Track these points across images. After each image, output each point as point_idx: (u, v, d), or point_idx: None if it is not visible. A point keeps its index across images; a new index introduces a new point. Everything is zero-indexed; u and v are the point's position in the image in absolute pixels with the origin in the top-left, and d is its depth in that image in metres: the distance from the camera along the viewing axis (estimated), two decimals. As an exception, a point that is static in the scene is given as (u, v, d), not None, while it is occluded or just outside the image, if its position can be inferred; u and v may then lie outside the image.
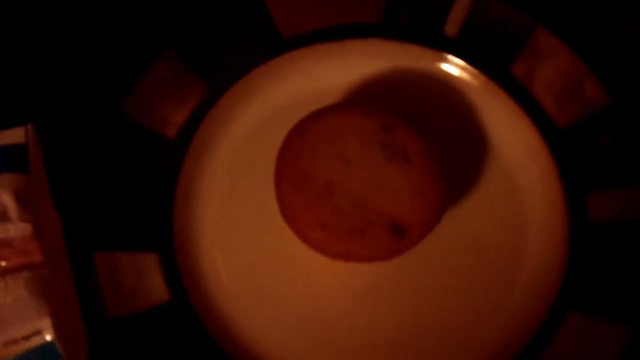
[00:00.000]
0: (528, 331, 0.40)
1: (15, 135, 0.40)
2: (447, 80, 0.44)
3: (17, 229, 0.37)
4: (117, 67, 0.44)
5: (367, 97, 0.44)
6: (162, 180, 0.42)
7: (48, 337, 0.34)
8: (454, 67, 0.44)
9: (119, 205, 0.41)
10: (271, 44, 0.44)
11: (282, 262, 0.42)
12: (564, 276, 0.40)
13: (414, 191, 0.38)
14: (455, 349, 0.40)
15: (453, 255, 0.41)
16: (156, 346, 0.39)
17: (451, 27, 0.44)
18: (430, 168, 0.38)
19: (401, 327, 0.40)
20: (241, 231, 0.42)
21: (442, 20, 0.44)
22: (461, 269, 0.41)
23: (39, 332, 0.34)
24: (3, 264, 0.35)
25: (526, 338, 0.40)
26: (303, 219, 0.38)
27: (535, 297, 0.40)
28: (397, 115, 0.39)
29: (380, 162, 0.38)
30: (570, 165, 0.42)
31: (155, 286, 0.40)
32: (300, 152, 0.38)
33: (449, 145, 0.43)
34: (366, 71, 0.45)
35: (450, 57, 0.44)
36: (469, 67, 0.44)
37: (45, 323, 0.34)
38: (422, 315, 0.40)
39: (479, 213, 0.42)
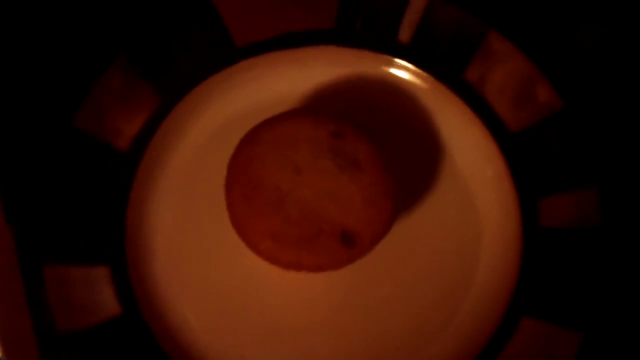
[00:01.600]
0: (482, 337, 0.40)
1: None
2: (401, 86, 0.44)
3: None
4: (67, 78, 0.44)
5: (321, 105, 0.44)
6: (114, 193, 0.42)
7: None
8: (407, 73, 0.44)
9: (69, 218, 0.41)
10: (225, 52, 0.44)
11: (236, 274, 0.41)
12: (517, 281, 0.40)
13: (365, 199, 0.37)
14: (409, 357, 0.39)
15: (406, 263, 0.41)
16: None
17: (404, 32, 0.44)
18: (381, 176, 0.38)
19: (354, 335, 0.40)
20: (195, 243, 0.42)
21: (396, 26, 0.44)
22: (414, 276, 0.41)
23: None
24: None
25: (480, 344, 0.39)
26: (253, 230, 0.37)
27: (489, 303, 0.40)
28: (348, 122, 0.39)
29: (331, 170, 0.38)
30: (523, 169, 0.42)
31: (106, 300, 0.40)
32: (250, 161, 0.38)
33: (402, 152, 0.43)
34: (321, 78, 0.44)
35: (404, 62, 0.44)
36: (423, 73, 0.44)
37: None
38: (375, 324, 0.40)
39: (431, 219, 0.42)
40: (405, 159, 0.43)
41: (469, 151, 0.43)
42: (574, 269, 0.40)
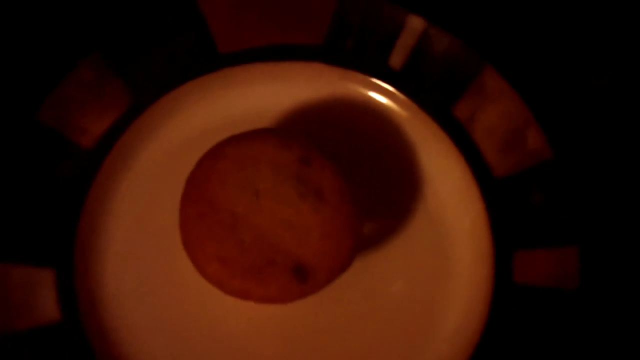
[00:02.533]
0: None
1: None
2: (385, 114, 0.42)
3: None
4: (37, 68, 0.42)
5: (297, 123, 0.41)
6: (71, 193, 0.39)
7: None
8: (393, 100, 0.42)
9: (19, 214, 0.39)
10: (206, 58, 0.42)
11: (186, 295, 0.39)
12: (482, 336, 0.37)
13: (324, 232, 0.35)
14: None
15: (365, 303, 0.39)
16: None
17: (396, 57, 0.41)
18: (345, 208, 0.35)
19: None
20: (147, 257, 0.40)
21: (388, 50, 0.41)
22: (372, 319, 0.39)
23: None
24: None
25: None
26: (202, 251, 0.35)
27: (450, 352, 0.38)
28: (317, 149, 0.36)
29: (293, 197, 0.35)
30: (501, 218, 0.39)
31: (46, 304, 0.38)
32: (208, 178, 0.36)
33: (375, 184, 0.41)
34: (301, 96, 0.42)
35: (391, 89, 0.41)
36: (409, 102, 0.41)
37: None
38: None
39: (398, 260, 0.39)
40: (378, 192, 0.40)
41: (448, 191, 0.40)
42: (543, 331, 0.37)
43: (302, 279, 0.34)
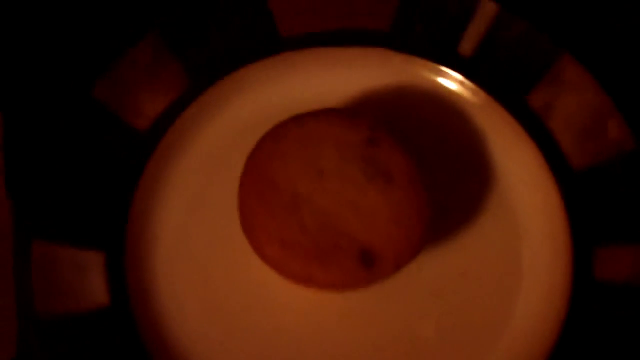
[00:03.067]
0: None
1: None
2: (454, 102, 0.39)
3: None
4: (95, 47, 0.40)
5: (361, 110, 0.39)
6: (124, 175, 0.38)
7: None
8: (463, 88, 0.39)
9: (71, 194, 0.37)
10: (267, 41, 0.40)
11: (241, 282, 0.37)
12: (557, 336, 0.35)
13: (393, 217, 0.33)
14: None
15: (432, 295, 0.36)
16: (86, 351, 0.35)
17: (466, 44, 0.39)
18: (414, 192, 0.33)
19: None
20: (201, 241, 0.38)
21: (457, 36, 0.39)
22: (439, 313, 0.36)
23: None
24: None
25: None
26: (262, 232, 0.33)
27: (523, 352, 0.35)
28: (386, 129, 0.34)
29: (359, 178, 0.33)
30: (581, 212, 0.36)
31: (95, 288, 0.36)
32: (270, 157, 0.34)
33: (446, 172, 0.38)
34: (365, 82, 0.40)
35: (462, 77, 0.39)
36: (480, 91, 0.39)
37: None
38: (386, 355, 0.35)
39: (469, 250, 0.37)
40: (448, 182, 0.38)
41: (523, 183, 0.38)
42: (623, 331, 0.34)
43: (368, 265, 0.32)
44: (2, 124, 0.39)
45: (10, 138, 0.39)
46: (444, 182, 0.38)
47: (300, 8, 0.40)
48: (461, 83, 0.39)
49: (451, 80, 0.40)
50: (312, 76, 0.40)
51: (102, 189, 0.37)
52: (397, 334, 0.36)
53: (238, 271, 0.37)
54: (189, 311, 0.36)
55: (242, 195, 0.34)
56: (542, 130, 0.38)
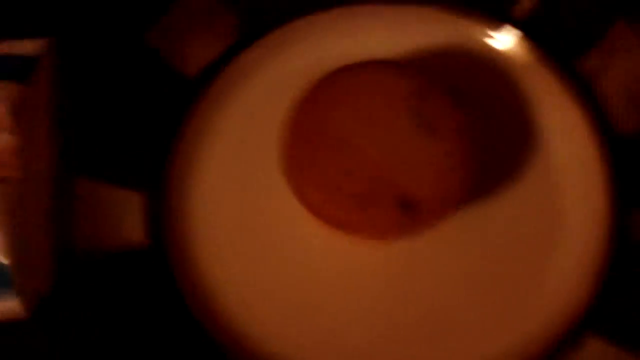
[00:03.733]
0: (541, 345, 0.34)
1: (28, 47, 0.37)
2: (505, 61, 0.39)
3: (2, 140, 0.33)
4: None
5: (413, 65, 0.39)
6: (169, 119, 0.38)
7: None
8: (517, 46, 0.39)
9: (117, 134, 0.37)
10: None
11: (281, 229, 0.37)
12: (593, 295, 0.34)
13: (435, 167, 0.32)
14: (457, 352, 0.34)
15: (471, 252, 0.36)
16: (122, 290, 0.35)
17: (524, 3, 0.39)
18: (459, 145, 0.33)
19: (401, 316, 0.35)
20: (241, 188, 0.38)
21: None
22: (477, 267, 0.36)
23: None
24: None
25: (537, 352, 0.34)
26: (304, 177, 0.33)
27: (556, 310, 0.35)
28: (436, 82, 0.34)
29: (407, 128, 0.33)
30: (623, 176, 0.36)
31: (134, 228, 0.36)
32: (318, 104, 0.34)
33: (493, 129, 0.38)
34: (418, 41, 0.40)
35: (515, 36, 0.39)
36: (534, 49, 0.39)
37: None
38: (429, 309, 0.35)
39: (510, 208, 0.37)
40: (495, 140, 0.38)
41: (568, 144, 0.37)
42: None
43: (407, 212, 0.32)
44: (56, 63, 0.39)
45: (63, 76, 0.39)
46: (490, 139, 0.37)
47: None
48: (514, 44, 0.39)
49: (504, 37, 0.39)
50: (363, 32, 0.40)
51: (147, 131, 0.38)
52: (432, 287, 0.35)
53: (277, 218, 0.37)
54: (226, 256, 0.36)
55: (286, 139, 0.34)
56: (592, 93, 0.37)
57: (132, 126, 0.38)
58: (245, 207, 0.37)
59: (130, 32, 0.39)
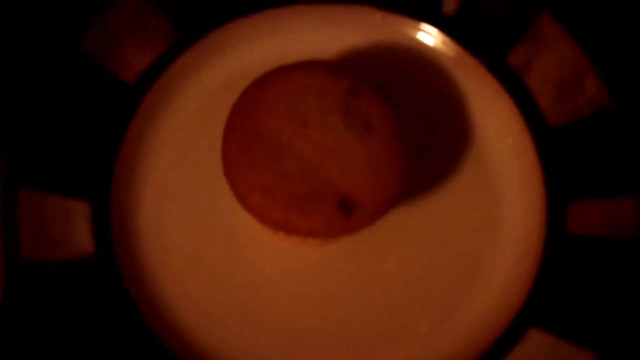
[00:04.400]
0: (482, 340, 0.36)
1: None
2: (434, 59, 0.40)
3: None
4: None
5: (343, 65, 0.40)
6: (111, 126, 0.38)
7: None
8: (445, 45, 0.40)
9: (59, 144, 0.38)
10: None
11: (224, 232, 0.38)
12: (532, 287, 0.36)
13: (372, 165, 0.33)
14: (397, 347, 0.36)
15: (411, 244, 0.37)
16: (71, 298, 0.36)
17: (450, 3, 0.40)
18: (393, 143, 0.34)
19: (339, 317, 0.36)
20: (186, 192, 0.38)
21: (440, -5, 0.40)
22: (419, 260, 0.37)
23: None
24: None
25: (480, 347, 0.35)
26: (244, 180, 0.34)
27: (496, 304, 0.36)
28: (367, 82, 0.35)
29: (340, 128, 0.34)
30: (556, 168, 0.37)
31: (81, 237, 0.37)
32: (253, 107, 0.34)
33: (424, 127, 0.39)
34: (350, 40, 0.41)
35: (444, 36, 0.40)
36: (462, 49, 0.40)
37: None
38: (369, 306, 0.37)
39: (446, 204, 0.38)
40: (426, 138, 0.39)
41: (500, 139, 0.39)
42: (594, 282, 0.35)
43: (347, 213, 0.33)
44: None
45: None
46: (422, 136, 0.39)
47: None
48: (443, 41, 0.40)
49: (433, 38, 0.40)
50: (296, 33, 0.41)
51: (90, 139, 0.38)
52: (373, 285, 0.37)
53: (221, 222, 0.38)
54: (172, 260, 0.37)
55: (225, 144, 0.34)
56: (520, 87, 0.39)
57: (75, 135, 0.38)
58: (189, 212, 0.38)
59: (66, 40, 0.39)
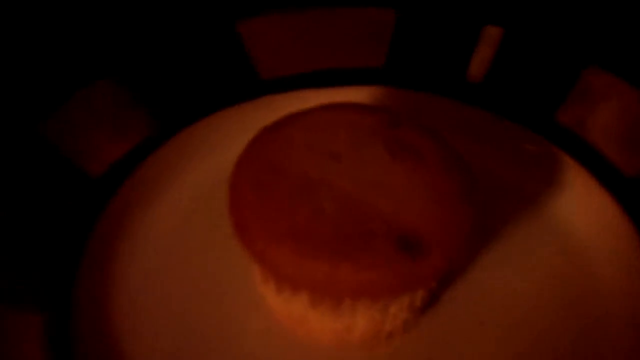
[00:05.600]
0: None
1: None
2: (475, 134, 0.33)
3: None
4: (50, 84, 0.34)
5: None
6: (74, 227, 0.29)
7: None
8: (478, 118, 0.34)
9: (11, 247, 0.28)
10: (244, 83, 0.34)
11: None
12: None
13: (432, 197, 0.25)
14: None
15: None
16: None
17: (475, 68, 0.34)
18: (453, 171, 0.26)
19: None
20: (161, 300, 0.29)
21: (465, 62, 0.34)
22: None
23: None
24: None
25: None
26: (267, 227, 0.24)
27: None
28: (408, 117, 0.28)
29: (383, 160, 0.26)
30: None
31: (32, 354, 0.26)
32: (269, 143, 0.26)
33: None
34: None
35: (472, 106, 0.34)
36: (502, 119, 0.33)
37: None
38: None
39: (522, 268, 0.29)
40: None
41: (575, 203, 0.31)
42: None
43: (411, 252, 0.24)
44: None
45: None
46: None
47: (281, 49, 0.35)
48: (471, 112, 0.34)
49: (463, 111, 0.34)
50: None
51: (50, 241, 0.29)
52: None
53: (199, 331, 0.28)
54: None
55: (235, 191, 0.26)
56: (584, 145, 0.32)
57: (31, 236, 0.29)
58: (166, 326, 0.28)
59: (27, 129, 0.32)
